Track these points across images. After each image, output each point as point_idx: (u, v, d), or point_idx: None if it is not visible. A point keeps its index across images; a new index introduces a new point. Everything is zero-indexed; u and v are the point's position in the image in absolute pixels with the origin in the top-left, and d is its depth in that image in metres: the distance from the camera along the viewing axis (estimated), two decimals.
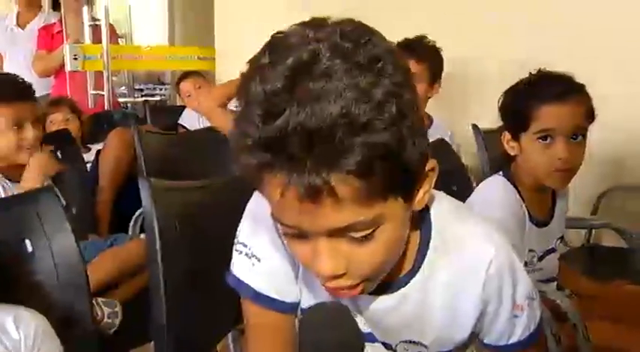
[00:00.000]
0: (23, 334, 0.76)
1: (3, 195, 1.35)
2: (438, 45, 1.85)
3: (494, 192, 1.18)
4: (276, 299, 0.70)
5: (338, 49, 0.50)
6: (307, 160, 0.49)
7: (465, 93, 2.38)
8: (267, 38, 0.55)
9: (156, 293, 0.83)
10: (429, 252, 0.66)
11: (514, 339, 0.70)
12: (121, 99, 3.67)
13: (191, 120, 2.81)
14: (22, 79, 1.49)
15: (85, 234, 1.58)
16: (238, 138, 0.52)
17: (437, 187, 0.64)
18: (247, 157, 0.51)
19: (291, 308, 0.70)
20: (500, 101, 1.19)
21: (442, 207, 0.68)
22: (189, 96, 2.84)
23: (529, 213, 1.17)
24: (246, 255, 0.69)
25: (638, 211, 2.14)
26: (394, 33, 0.67)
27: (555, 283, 1.29)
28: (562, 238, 1.31)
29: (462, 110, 2.33)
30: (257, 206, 0.69)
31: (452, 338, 0.70)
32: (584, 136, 1.11)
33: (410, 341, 0.70)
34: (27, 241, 0.88)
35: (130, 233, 1.69)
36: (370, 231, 0.55)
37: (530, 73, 1.15)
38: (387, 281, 0.66)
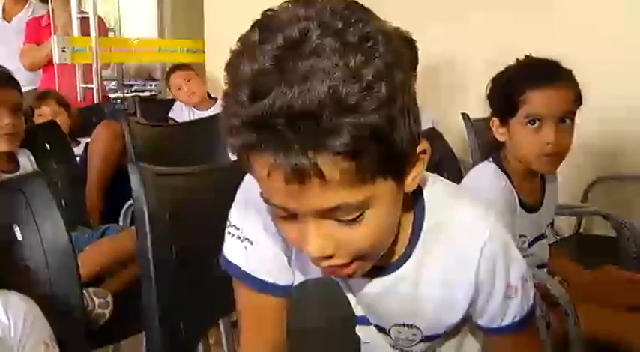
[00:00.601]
0: (13, 318, 0.75)
1: None
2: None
3: (484, 178, 1.18)
4: (269, 282, 0.69)
5: (328, 28, 0.49)
6: (293, 141, 0.48)
7: (452, 85, 2.39)
8: None
9: (146, 279, 0.82)
10: (422, 235, 0.66)
11: (507, 321, 0.70)
12: (111, 95, 3.65)
13: (181, 114, 2.80)
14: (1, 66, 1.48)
15: (74, 225, 1.57)
16: (226, 119, 0.52)
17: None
18: (234, 137, 0.51)
19: (284, 291, 0.70)
20: (489, 88, 1.19)
21: (436, 189, 0.68)
22: (179, 89, 2.82)
23: (519, 198, 1.18)
24: (238, 237, 0.69)
25: (628, 200, 2.16)
26: None
27: (545, 269, 1.30)
28: (552, 224, 1.32)
29: (450, 100, 2.34)
30: (249, 189, 0.69)
31: (445, 320, 0.70)
32: (573, 120, 1.12)
33: (403, 324, 0.70)
34: (16, 227, 0.87)
35: (120, 224, 1.68)
36: (358, 213, 0.54)
37: (518, 59, 1.16)
38: (381, 264, 0.66)
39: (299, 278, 0.70)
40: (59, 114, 2.29)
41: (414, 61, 1.85)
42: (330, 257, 0.57)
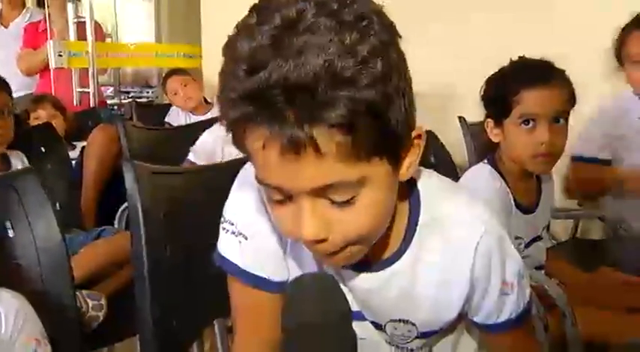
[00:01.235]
0: (3, 314, 0.75)
1: None
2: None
3: (480, 179, 1.18)
4: (264, 278, 0.69)
5: (324, 8, 0.50)
6: (289, 112, 0.49)
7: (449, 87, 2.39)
8: None
9: (140, 279, 0.81)
10: (417, 229, 0.66)
11: (503, 318, 0.70)
12: (107, 101, 3.64)
13: (177, 119, 2.80)
14: None
15: (69, 228, 1.56)
16: (223, 93, 0.53)
17: None
18: (231, 111, 0.52)
19: (279, 287, 0.70)
20: (483, 89, 1.20)
21: (431, 184, 0.68)
22: (175, 94, 2.82)
23: (515, 199, 1.18)
24: (233, 232, 0.69)
25: None
26: None
27: (542, 271, 1.30)
28: (548, 227, 1.32)
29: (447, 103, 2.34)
30: (243, 185, 0.69)
31: (441, 316, 0.69)
32: (567, 120, 1.12)
33: (399, 320, 0.69)
34: (8, 224, 0.87)
35: (115, 226, 1.68)
36: (353, 194, 0.54)
37: (511, 60, 1.16)
38: (376, 259, 0.66)
39: (294, 275, 0.69)
40: (55, 118, 2.29)
41: None
42: (324, 240, 0.56)
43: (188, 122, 2.74)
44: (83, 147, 2.17)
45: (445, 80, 2.26)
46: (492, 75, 1.18)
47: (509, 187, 1.18)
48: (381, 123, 0.52)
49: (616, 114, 1.62)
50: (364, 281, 0.67)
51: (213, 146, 1.72)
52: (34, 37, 3.03)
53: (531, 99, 1.10)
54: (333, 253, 0.58)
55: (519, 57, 1.16)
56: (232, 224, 0.69)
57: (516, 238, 1.19)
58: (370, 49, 0.50)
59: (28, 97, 2.92)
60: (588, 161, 1.62)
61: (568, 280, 1.30)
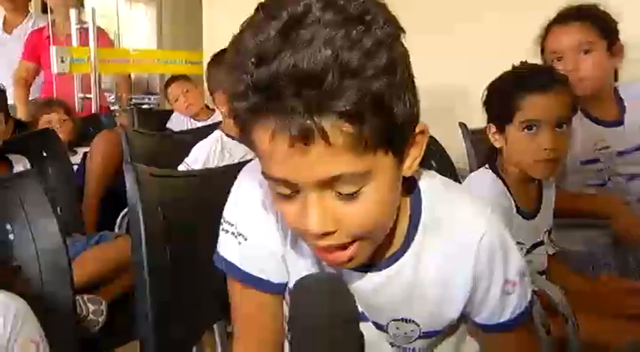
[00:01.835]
0: (2, 317, 0.74)
1: None
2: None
3: (481, 185, 1.18)
4: (263, 279, 0.69)
5: (330, 3, 0.52)
6: (299, 103, 0.50)
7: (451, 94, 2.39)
8: None
9: (140, 281, 0.81)
10: (419, 228, 0.66)
11: (505, 318, 0.70)
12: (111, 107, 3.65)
13: (179, 124, 2.80)
14: None
15: (70, 232, 1.56)
16: (232, 85, 0.53)
17: None
18: (240, 102, 0.53)
19: (278, 288, 0.70)
20: (484, 94, 1.20)
21: (433, 184, 0.68)
22: (177, 100, 2.83)
23: (516, 205, 1.18)
24: (233, 233, 0.69)
25: None
26: None
27: (544, 276, 1.30)
28: (550, 231, 1.31)
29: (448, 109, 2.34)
30: (243, 186, 0.69)
31: (443, 316, 0.69)
32: (569, 126, 1.12)
33: (402, 319, 0.69)
34: (8, 227, 0.86)
35: (116, 231, 1.67)
36: (359, 187, 0.55)
37: (514, 65, 1.16)
38: (378, 258, 0.66)
39: (294, 276, 0.69)
40: (65, 122, 2.30)
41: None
42: (330, 234, 0.57)
43: (189, 127, 2.75)
44: (85, 153, 2.18)
45: (448, 82, 2.26)
46: (494, 80, 1.18)
47: (510, 193, 1.18)
48: (386, 114, 0.52)
49: None
50: (366, 280, 0.67)
51: (205, 161, 1.71)
52: (36, 46, 3.04)
53: (534, 105, 1.10)
54: (337, 249, 0.58)
55: (521, 62, 1.16)
56: (232, 224, 0.69)
57: (517, 243, 1.18)
58: (375, 41, 0.51)
59: (32, 103, 2.94)
60: None
61: (570, 287, 1.29)
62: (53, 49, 2.81)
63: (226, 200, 0.71)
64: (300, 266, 0.68)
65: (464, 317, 0.72)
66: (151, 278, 0.81)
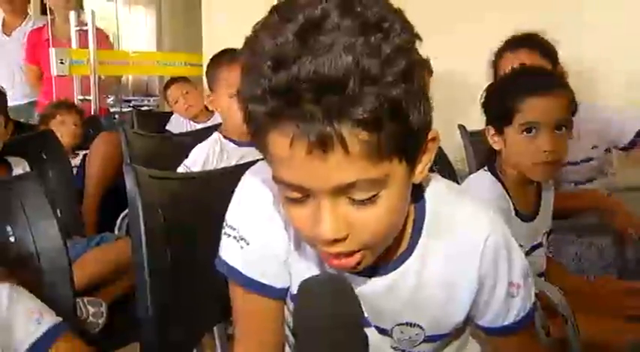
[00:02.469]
0: None
1: None
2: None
3: (480, 187, 1.18)
4: (265, 284, 0.69)
5: (347, 9, 0.51)
6: (318, 109, 0.49)
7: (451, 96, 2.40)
8: None
9: (141, 282, 0.81)
10: (423, 232, 0.66)
11: (509, 320, 0.70)
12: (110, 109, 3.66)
13: (178, 126, 2.80)
14: None
15: (70, 234, 1.56)
16: (248, 88, 0.52)
17: None
18: (257, 106, 0.52)
19: (280, 293, 0.70)
20: (483, 96, 1.20)
21: (437, 187, 0.68)
22: (176, 102, 2.83)
23: (515, 207, 1.18)
24: (235, 237, 0.68)
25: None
26: None
27: (544, 278, 1.30)
28: (549, 233, 1.32)
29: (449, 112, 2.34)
30: (246, 189, 0.69)
31: (449, 318, 0.69)
32: (568, 128, 1.12)
33: (406, 323, 0.69)
34: (9, 229, 0.86)
35: (116, 232, 1.67)
36: (373, 193, 0.55)
37: (512, 68, 1.17)
38: (383, 261, 0.66)
39: (296, 281, 0.69)
40: (77, 125, 2.31)
41: None
42: (341, 240, 0.56)
43: (189, 129, 2.75)
44: (85, 155, 2.18)
45: (448, 82, 2.27)
46: (493, 82, 1.19)
47: (509, 195, 1.18)
48: (403, 121, 0.52)
49: None
50: (371, 285, 0.67)
51: (204, 163, 1.72)
52: (36, 46, 3.04)
53: (534, 108, 1.10)
54: (345, 256, 0.58)
55: (520, 64, 1.16)
56: (234, 229, 0.69)
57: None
58: (394, 48, 0.51)
59: (33, 105, 2.95)
60: None
61: (569, 288, 1.30)
62: (53, 51, 2.82)
63: (226, 202, 0.71)
64: (303, 270, 0.68)
65: (469, 321, 0.72)
66: (151, 279, 0.81)
